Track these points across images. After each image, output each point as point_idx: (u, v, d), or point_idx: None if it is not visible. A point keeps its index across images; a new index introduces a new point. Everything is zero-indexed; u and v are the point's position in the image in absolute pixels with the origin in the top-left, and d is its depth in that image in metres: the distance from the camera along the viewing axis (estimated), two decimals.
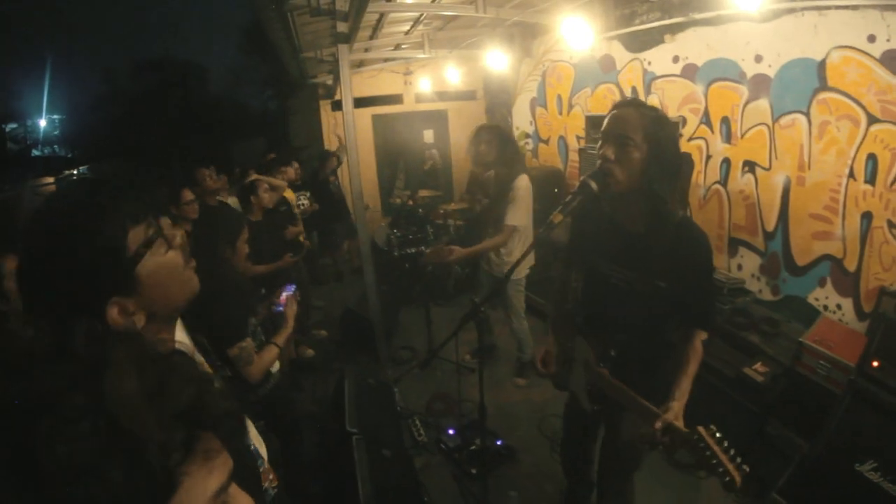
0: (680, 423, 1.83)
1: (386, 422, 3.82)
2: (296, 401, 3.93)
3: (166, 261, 1.12)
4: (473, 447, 3.81)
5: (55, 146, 34.21)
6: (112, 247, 1.02)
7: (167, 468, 0.58)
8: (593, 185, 2.01)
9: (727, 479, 1.61)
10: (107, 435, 0.55)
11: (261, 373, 2.64)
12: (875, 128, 3.48)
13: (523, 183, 4.15)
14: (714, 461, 1.63)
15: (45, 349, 0.65)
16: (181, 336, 1.77)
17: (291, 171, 6.05)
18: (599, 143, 2.04)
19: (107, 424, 0.55)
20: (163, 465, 0.58)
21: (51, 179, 17.72)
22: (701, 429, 1.69)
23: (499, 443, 3.92)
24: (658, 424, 1.84)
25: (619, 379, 2.13)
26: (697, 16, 4.56)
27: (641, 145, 1.94)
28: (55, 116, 36.43)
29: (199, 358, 1.39)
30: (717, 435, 1.66)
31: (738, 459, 1.62)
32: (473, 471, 3.66)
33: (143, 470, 0.56)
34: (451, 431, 4.05)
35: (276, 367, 2.86)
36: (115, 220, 1.04)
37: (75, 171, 22.68)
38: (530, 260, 4.40)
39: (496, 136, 4.21)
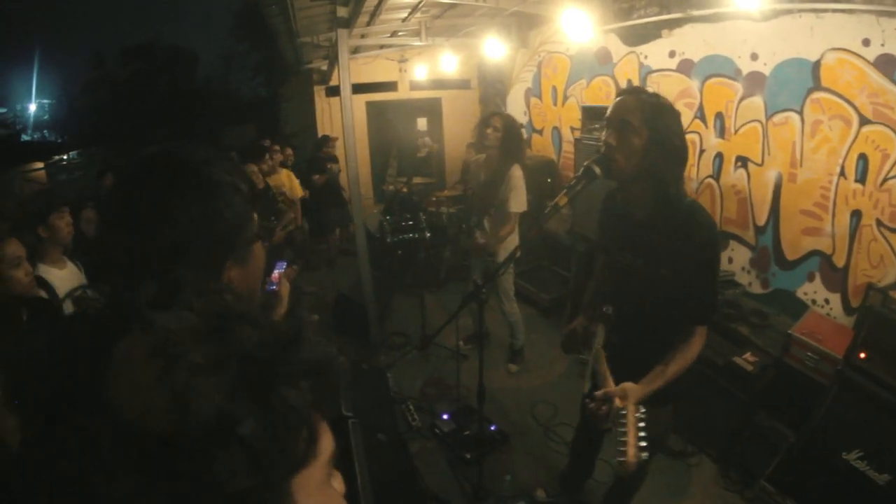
0: (623, 403, 1.89)
1: (380, 407, 3.85)
2: None
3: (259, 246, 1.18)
4: (467, 432, 3.86)
5: (45, 131, 33.70)
6: (249, 216, 1.09)
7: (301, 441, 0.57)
8: (597, 169, 2.06)
9: (621, 453, 1.74)
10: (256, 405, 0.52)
11: None
12: (867, 129, 3.56)
13: (518, 172, 4.24)
14: (622, 438, 1.77)
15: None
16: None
17: (280, 156, 6.08)
18: (603, 130, 2.10)
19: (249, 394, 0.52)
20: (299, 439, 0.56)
21: (40, 164, 17.47)
22: (631, 406, 1.82)
23: (493, 428, 3.97)
24: (600, 392, 1.96)
25: (615, 366, 2.17)
26: (695, 12, 4.62)
27: (641, 130, 1.98)
28: (45, 101, 35.91)
29: None
30: (642, 420, 1.79)
31: (643, 444, 1.75)
32: (468, 455, 3.70)
33: (283, 446, 0.53)
34: (445, 416, 4.09)
35: None
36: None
37: (65, 157, 22.40)
38: (515, 241, 4.47)
39: (505, 125, 4.28)
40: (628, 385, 1.96)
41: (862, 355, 2.84)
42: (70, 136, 28.43)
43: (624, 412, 1.82)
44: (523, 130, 7.74)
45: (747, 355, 3.61)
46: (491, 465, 3.64)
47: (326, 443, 0.61)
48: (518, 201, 4.21)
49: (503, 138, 4.24)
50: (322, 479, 0.60)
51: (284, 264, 3.16)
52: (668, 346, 2.11)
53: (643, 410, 1.81)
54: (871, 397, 2.75)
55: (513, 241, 4.39)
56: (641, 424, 1.79)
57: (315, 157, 7.53)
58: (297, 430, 0.55)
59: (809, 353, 3.35)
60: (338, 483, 0.65)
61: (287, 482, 0.54)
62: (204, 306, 0.57)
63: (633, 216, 2.21)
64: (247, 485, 0.48)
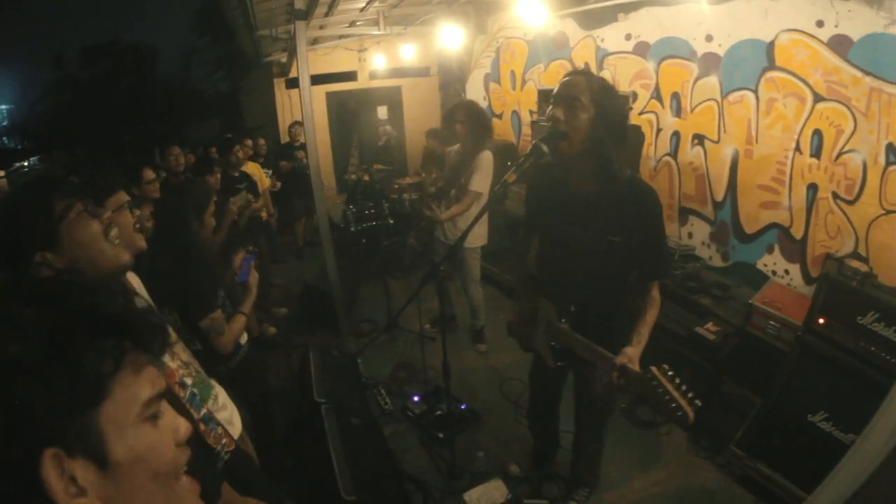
0: (635, 366, 1.97)
1: (352, 392, 3.88)
2: (263, 376, 3.95)
3: (87, 225, 1.37)
4: (439, 412, 3.91)
5: (4, 137, 32.28)
6: (43, 208, 1.32)
7: (100, 374, 0.67)
8: (544, 147, 2.12)
9: (679, 413, 1.74)
10: (49, 341, 0.64)
11: (232, 343, 2.67)
12: (821, 106, 3.68)
13: (488, 156, 4.29)
14: (667, 397, 1.75)
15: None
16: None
17: (243, 151, 6.02)
18: (549, 107, 2.16)
19: (50, 332, 0.64)
20: (97, 372, 0.66)
21: (1, 173, 16.83)
22: (654, 368, 1.81)
23: (463, 407, 4.03)
24: (614, 367, 2.00)
25: (580, 332, 2.28)
26: None
27: (589, 107, 2.07)
28: (3, 106, 34.38)
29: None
30: (670, 373, 1.78)
31: (690, 394, 1.74)
32: (441, 435, 3.75)
33: (79, 375, 0.65)
34: (416, 398, 4.13)
35: (244, 338, 2.90)
36: (50, 194, 1.34)
37: (26, 163, 21.56)
38: (484, 231, 4.55)
39: (468, 114, 4.33)
40: (627, 350, 2.05)
41: (821, 321, 2.92)
42: (30, 141, 27.29)
43: (650, 377, 1.81)
44: None
45: (709, 325, 3.72)
46: (464, 444, 3.67)
47: (143, 386, 0.72)
48: (479, 182, 4.26)
49: (471, 127, 4.30)
50: (136, 419, 0.70)
51: (253, 258, 3.18)
52: (623, 304, 2.29)
53: (665, 366, 1.81)
54: (831, 361, 2.85)
55: (480, 225, 4.43)
56: (677, 381, 1.77)
57: (284, 144, 7.49)
58: (92, 368, 0.66)
59: (771, 322, 3.48)
60: (170, 423, 0.78)
61: (92, 414, 0.66)
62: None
63: (577, 191, 2.30)
64: (43, 410, 0.61)
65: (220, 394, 2.12)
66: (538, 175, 2.47)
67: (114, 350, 0.69)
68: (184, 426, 0.80)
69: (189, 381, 1.86)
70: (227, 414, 2.10)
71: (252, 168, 5.99)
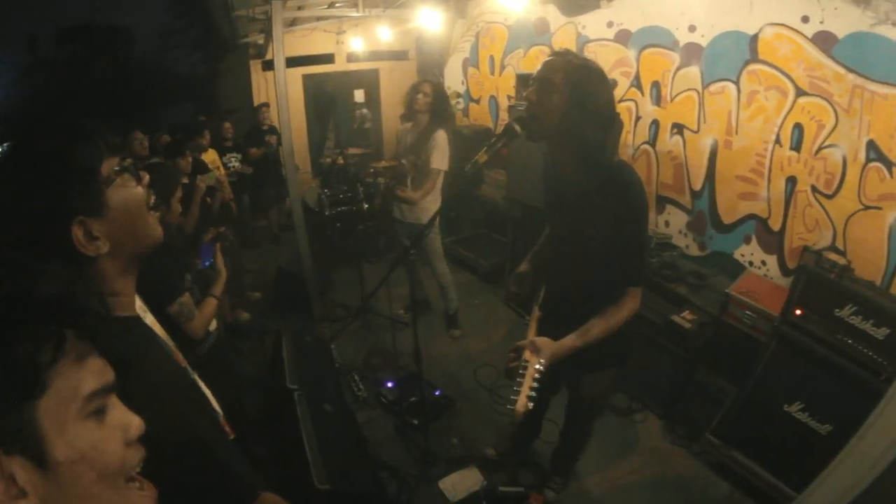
0: (538, 358, 1.95)
1: (325, 378, 3.82)
2: (235, 362, 3.90)
3: (134, 193, 1.15)
4: (413, 399, 3.90)
5: None
6: (88, 167, 1.07)
7: (37, 365, 0.62)
8: (517, 127, 2.09)
9: (512, 401, 1.85)
10: None
11: (203, 327, 2.64)
12: (803, 100, 3.68)
13: (443, 134, 4.35)
14: (517, 388, 1.88)
15: None
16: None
17: (205, 139, 5.94)
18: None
19: None
20: (34, 362, 0.61)
21: None
22: (532, 360, 1.92)
23: (437, 393, 4.03)
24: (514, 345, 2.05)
25: (548, 326, 2.26)
26: None
27: (562, 89, 1.97)
28: None
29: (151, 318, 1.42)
30: (538, 374, 1.89)
31: (532, 395, 1.86)
32: (415, 421, 3.74)
33: (14, 367, 0.60)
34: (389, 384, 4.12)
35: (213, 325, 2.84)
36: (94, 144, 1.09)
37: (1, 148, 21.02)
38: (439, 206, 4.51)
39: (434, 92, 4.39)
40: (542, 340, 2.02)
41: (797, 312, 2.95)
42: (4, 126, 26.56)
43: (525, 364, 1.91)
44: (461, 100, 7.77)
45: (685, 314, 3.74)
46: (438, 430, 3.69)
47: (86, 379, 0.67)
48: (440, 160, 4.33)
49: (432, 103, 4.35)
50: (78, 414, 0.65)
51: (216, 242, 3.14)
52: (596, 307, 2.15)
53: (541, 365, 1.90)
54: (807, 352, 2.88)
55: (435, 202, 4.49)
56: (537, 377, 1.88)
57: (252, 128, 7.35)
58: (29, 359, 0.61)
59: (747, 312, 3.50)
60: (118, 419, 0.72)
61: (29, 409, 0.61)
62: None
63: (564, 179, 2.25)
64: None
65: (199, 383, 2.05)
66: (549, 164, 2.42)
67: (53, 339, 0.64)
68: (135, 423, 0.74)
69: None
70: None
71: (210, 156, 5.92)
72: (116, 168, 1.11)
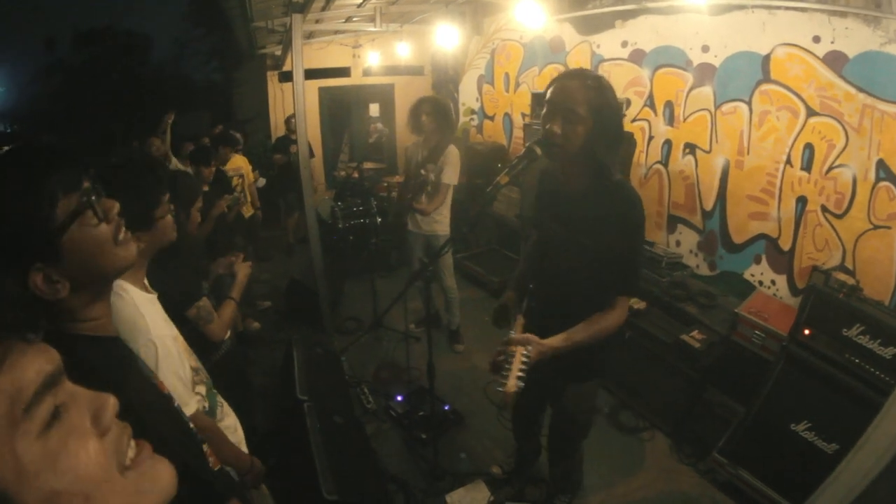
0: (527, 350, 1.95)
1: (335, 390, 3.83)
2: (246, 371, 3.92)
3: (95, 233, 1.08)
4: (422, 413, 3.89)
5: None
6: (40, 215, 0.99)
7: None
8: (538, 150, 2.11)
9: (501, 383, 1.85)
10: None
11: (223, 330, 2.64)
12: (814, 120, 3.71)
13: (454, 150, 4.45)
14: (504, 372, 1.87)
15: None
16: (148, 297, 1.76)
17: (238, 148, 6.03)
18: (544, 112, 2.10)
19: None
20: None
21: None
22: (518, 347, 1.93)
23: (446, 408, 4.01)
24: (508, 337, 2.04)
25: (542, 329, 2.19)
26: (650, 4, 4.73)
27: (587, 119, 2.00)
28: None
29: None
30: (526, 357, 1.90)
31: (521, 375, 1.86)
32: (423, 435, 3.73)
33: None
34: (399, 398, 4.11)
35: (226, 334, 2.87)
36: (46, 187, 1.01)
37: None
38: (448, 215, 4.65)
39: (435, 108, 4.43)
40: (528, 335, 2.03)
41: (806, 332, 2.95)
42: (21, 125, 26.86)
43: (512, 353, 1.92)
44: (475, 116, 7.83)
45: (695, 333, 3.73)
46: (447, 445, 3.68)
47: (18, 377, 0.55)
48: (450, 175, 4.41)
49: (437, 120, 4.40)
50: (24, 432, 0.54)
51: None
52: (584, 314, 2.17)
53: (527, 350, 1.92)
54: (815, 372, 2.88)
55: (447, 215, 4.59)
56: (525, 359, 1.89)
57: (282, 137, 7.51)
58: None
59: (756, 331, 3.51)
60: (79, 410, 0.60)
61: None
62: None
63: (566, 190, 2.28)
64: None
65: (224, 401, 2.05)
66: (547, 170, 2.46)
67: None
68: (111, 402, 0.63)
69: (203, 390, 1.79)
70: (231, 421, 2.03)
71: (239, 161, 5.97)
72: (70, 213, 1.03)
